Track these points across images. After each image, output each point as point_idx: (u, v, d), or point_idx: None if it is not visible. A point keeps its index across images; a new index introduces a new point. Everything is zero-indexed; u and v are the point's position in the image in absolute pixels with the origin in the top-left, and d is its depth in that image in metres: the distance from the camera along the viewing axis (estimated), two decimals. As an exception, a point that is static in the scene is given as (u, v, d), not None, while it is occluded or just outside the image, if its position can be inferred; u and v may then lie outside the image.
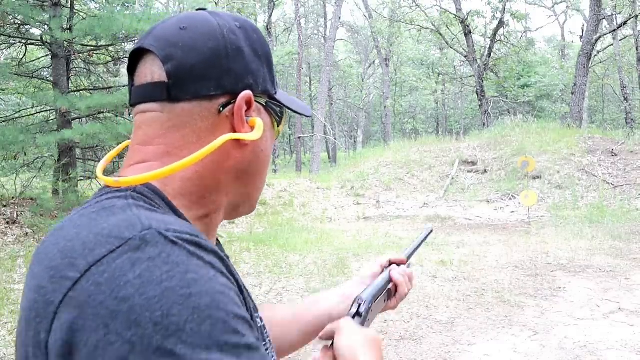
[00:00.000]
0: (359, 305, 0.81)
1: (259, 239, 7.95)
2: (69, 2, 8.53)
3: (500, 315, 4.44)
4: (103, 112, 8.85)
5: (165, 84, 0.60)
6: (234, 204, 0.67)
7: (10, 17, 8.30)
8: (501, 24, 21.55)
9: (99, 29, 7.77)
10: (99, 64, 10.45)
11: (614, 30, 18.98)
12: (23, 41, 9.18)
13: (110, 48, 9.70)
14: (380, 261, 0.95)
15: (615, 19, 20.73)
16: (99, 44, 9.12)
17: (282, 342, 0.86)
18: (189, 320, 0.45)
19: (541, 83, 26.68)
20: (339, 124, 33.94)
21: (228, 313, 0.48)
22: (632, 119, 20.81)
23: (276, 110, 0.69)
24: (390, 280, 0.90)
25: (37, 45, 9.22)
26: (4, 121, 8.97)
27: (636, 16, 16.98)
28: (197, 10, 0.67)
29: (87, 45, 9.12)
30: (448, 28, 22.33)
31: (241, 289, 0.58)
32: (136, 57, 0.63)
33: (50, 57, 8.95)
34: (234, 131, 0.62)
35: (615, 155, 11.92)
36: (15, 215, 7.63)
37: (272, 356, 0.66)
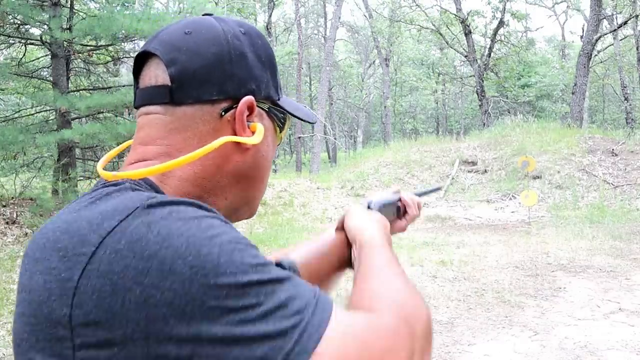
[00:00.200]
0: (370, 203, 0.87)
1: (259, 239, 7.95)
2: (69, 2, 8.53)
3: (501, 315, 4.43)
4: (103, 112, 8.85)
5: (169, 87, 0.61)
6: (233, 207, 0.67)
7: (10, 16, 8.29)
8: (501, 23, 21.54)
9: (99, 29, 7.77)
10: (99, 63, 10.45)
11: (615, 30, 18.97)
12: (23, 41, 9.17)
13: (110, 48, 9.70)
14: (392, 189, 1.01)
15: (616, 18, 20.72)
16: (99, 44, 9.11)
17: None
18: (220, 255, 0.47)
19: (541, 83, 26.68)
20: (339, 124, 33.93)
21: (249, 244, 0.52)
22: (632, 119, 20.79)
23: (279, 116, 0.70)
24: (400, 200, 0.98)
25: (37, 45, 9.22)
26: (4, 121, 8.96)
27: (636, 16, 16.97)
28: (203, 15, 0.68)
29: (87, 45, 9.11)
30: (448, 28, 22.32)
31: None
32: (141, 60, 0.64)
33: (49, 57, 8.94)
34: (235, 135, 0.63)
35: (616, 155, 11.90)
36: (14, 216, 7.62)
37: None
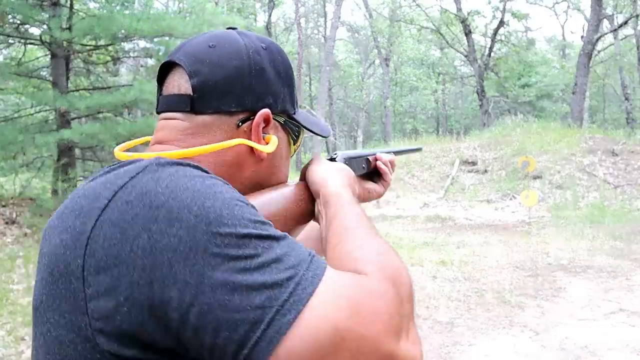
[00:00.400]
0: (334, 155, 0.84)
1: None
2: (68, 2, 8.51)
3: (501, 315, 4.42)
4: (102, 112, 8.84)
5: (190, 97, 0.65)
6: None
7: (10, 16, 8.29)
8: (501, 23, 21.53)
9: (98, 29, 7.77)
10: (99, 63, 10.44)
11: (615, 30, 18.96)
12: (22, 41, 9.16)
13: (110, 48, 9.69)
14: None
15: (616, 18, 20.71)
16: (99, 44, 9.11)
17: None
18: (222, 207, 0.51)
19: (542, 83, 26.68)
20: (339, 124, 33.94)
21: (249, 204, 0.55)
22: (632, 119, 20.79)
23: (293, 129, 0.74)
24: (373, 154, 0.92)
25: (37, 44, 9.21)
26: (3, 121, 8.95)
27: (637, 16, 16.96)
28: (227, 28, 0.71)
29: (87, 45, 9.11)
30: (448, 28, 22.31)
31: None
32: (166, 69, 0.68)
33: (49, 56, 8.93)
34: (251, 147, 0.67)
35: (616, 155, 11.89)
36: (14, 216, 7.62)
37: None
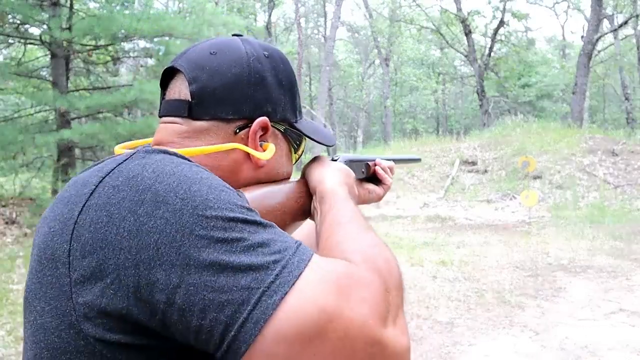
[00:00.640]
0: (336, 157, 0.85)
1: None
2: (68, 2, 8.52)
3: (501, 315, 4.42)
4: (102, 112, 8.84)
5: (189, 102, 0.66)
6: None
7: (10, 16, 8.29)
8: (502, 23, 21.53)
9: (98, 29, 7.77)
10: (98, 63, 10.44)
11: (615, 30, 18.96)
12: (22, 40, 9.16)
13: (110, 48, 9.69)
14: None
15: (616, 18, 20.71)
16: (98, 44, 9.11)
17: None
18: (209, 192, 0.52)
19: (542, 83, 26.67)
20: (339, 124, 33.93)
21: (236, 192, 0.56)
22: (633, 119, 20.79)
23: (294, 138, 0.74)
24: (373, 160, 0.93)
25: (36, 44, 9.21)
26: (3, 121, 8.95)
27: (637, 16, 16.96)
28: (233, 35, 0.72)
29: (87, 45, 9.10)
30: (448, 27, 22.31)
31: None
32: (170, 74, 0.69)
33: (49, 56, 8.93)
34: (248, 154, 0.67)
35: (616, 155, 11.89)
36: (14, 216, 7.62)
37: None
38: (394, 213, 10.83)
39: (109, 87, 9.48)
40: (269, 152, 0.68)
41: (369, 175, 0.93)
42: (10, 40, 9.40)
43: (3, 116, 9.86)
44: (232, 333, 0.47)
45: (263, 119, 0.67)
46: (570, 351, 3.63)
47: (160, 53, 9.36)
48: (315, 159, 0.79)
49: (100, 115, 9.12)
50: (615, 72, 24.53)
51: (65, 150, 8.31)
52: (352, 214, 0.65)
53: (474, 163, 13.25)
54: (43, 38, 8.35)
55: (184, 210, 0.49)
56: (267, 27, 23.29)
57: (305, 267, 0.50)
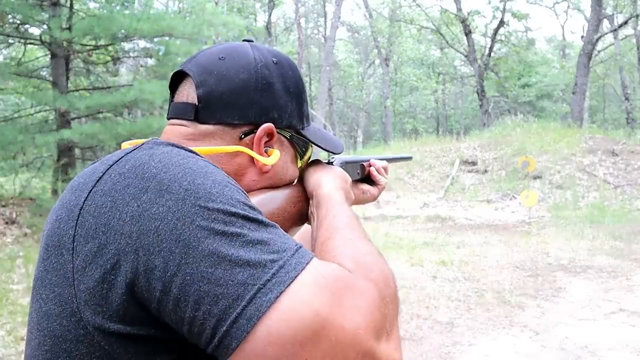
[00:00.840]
0: (332, 159, 0.85)
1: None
2: (68, 2, 8.51)
3: (501, 315, 4.42)
4: (102, 112, 8.84)
5: (195, 106, 0.66)
6: None
7: (10, 16, 8.28)
8: (502, 23, 21.53)
9: (98, 29, 7.77)
10: (98, 63, 10.44)
11: (615, 30, 18.96)
12: (22, 40, 9.16)
13: (110, 48, 9.68)
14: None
15: (616, 18, 20.71)
16: (98, 44, 9.10)
17: None
18: (213, 186, 0.52)
19: (542, 83, 26.67)
20: (339, 124, 33.92)
21: (242, 190, 0.56)
22: (633, 119, 20.79)
23: (300, 145, 0.74)
24: (367, 160, 0.94)
25: (36, 44, 9.21)
26: (3, 121, 8.95)
27: (637, 16, 16.96)
28: (243, 40, 0.73)
29: (87, 45, 9.10)
30: (448, 27, 22.31)
31: None
32: (179, 77, 0.70)
33: (49, 56, 8.93)
34: (252, 158, 0.67)
35: (616, 155, 11.89)
36: (14, 216, 7.62)
37: None
38: (394, 213, 10.82)
39: (109, 87, 9.47)
40: (273, 158, 0.68)
41: (364, 176, 0.93)
42: (10, 40, 9.40)
43: (3, 116, 9.86)
44: (224, 328, 0.47)
45: (268, 125, 0.67)
46: (570, 351, 3.63)
47: (160, 53, 9.36)
48: (312, 163, 0.79)
49: (100, 115, 9.12)
50: (615, 72, 24.53)
51: (65, 150, 8.31)
52: (349, 220, 0.65)
53: (474, 163, 13.25)
54: (43, 38, 8.35)
55: (186, 200, 0.50)
56: (267, 27, 23.29)
57: (302, 270, 0.49)
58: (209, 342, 0.48)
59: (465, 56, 21.84)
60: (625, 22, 17.77)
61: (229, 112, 0.66)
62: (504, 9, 21.36)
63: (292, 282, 0.48)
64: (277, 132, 0.69)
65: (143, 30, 7.79)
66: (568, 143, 12.60)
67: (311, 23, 34.49)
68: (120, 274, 0.49)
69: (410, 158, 1.21)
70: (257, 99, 0.67)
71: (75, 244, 0.51)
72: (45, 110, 9.05)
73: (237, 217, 0.51)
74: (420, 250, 6.85)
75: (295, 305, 0.47)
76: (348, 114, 35.88)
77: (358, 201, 0.90)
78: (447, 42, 22.36)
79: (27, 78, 9.20)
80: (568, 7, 29.19)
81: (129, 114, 11.14)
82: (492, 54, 22.11)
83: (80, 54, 9.37)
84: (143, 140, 0.77)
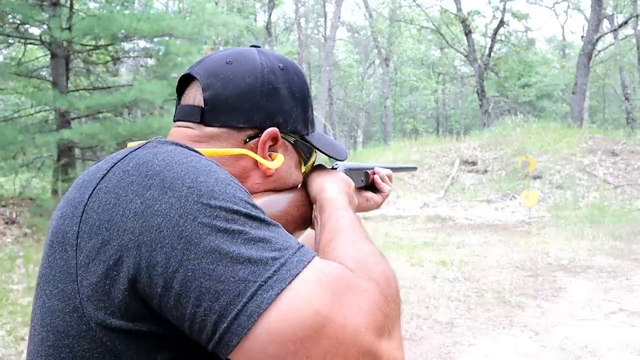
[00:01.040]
0: (335, 165, 0.85)
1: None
2: (68, 2, 8.51)
3: (501, 315, 4.42)
4: (102, 112, 8.84)
5: (201, 109, 0.67)
6: None
7: (10, 16, 8.28)
8: (502, 23, 21.53)
9: (98, 29, 7.76)
10: (98, 63, 10.43)
11: (615, 30, 18.96)
12: (22, 40, 9.16)
13: (110, 48, 9.68)
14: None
15: (616, 18, 20.71)
16: (98, 44, 9.10)
17: None
18: (215, 184, 0.53)
19: (542, 83, 26.67)
20: (339, 124, 33.92)
21: (244, 189, 0.56)
22: (633, 119, 20.79)
23: (304, 150, 0.75)
24: (372, 168, 0.95)
25: (36, 44, 9.20)
26: (3, 121, 8.94)
27: (637, 16, 16.96)
28: (250, 46, 0.74)
29: (87, 45, 9.10)
30: (448, 27, 22.31)
31: None
32: (186, 80, 0.71)
33: (49, 56, 8.93)
34: (256, 162, 0.68)
35: (616, 155, 11.89)
36: (14, 216, 7.62)
37: None
38: (394, 213, 10.82)
39: (109, 87, 9.47)
40: (276, 162, 0.69)
41: (368, 184, 0.94)
42: (10, 40, 9.39)
43: (3, 116, 9.85)
44: (225, 324, 0.47)
45: (273, 129, 0.68)
46: (570, 351, 3.63)
47: (160, 53, 9.36)
48: (315, 168, 0.80)
49: (100, 115, 9.12)
50: (615, 72, 24.52)
51: (65, 150, 8.30)
52: (351, 223, 0.65)
53: (474, 163, 13.25)
54: (43, 38, 8.35)
55: (189, 198, 0.50)
56: (267, 27, 23.29)
57: (304, 268, 0.50)
58: (209, 339, 0.48)
59: (465, 56, 21.84)
60: (625, 22, 17.77)
61: (235, 115, 0.67)
62: (504, 9, 21.37)
63: (293, 279, 0.48)
64: (282, 136, 0.70)
65: (143, 30, 7.79)
66: (568, 143, 12.60)
67: (311, 23, 34.49)
68: (123, 270, 0.49)
69: (415, 169, 1.22)
70: (263, 103, 0.68)
71: (79, 240, 0.52)
72: (45, 110, 9.05)
73: (239, 214, 0.51)
74: (420, 250, 6.85)
75: (296, 303, 0.47)
76: (348, 114, 35.88)
77: (361, 208, 0.90)
78: (447, 42, 22.35)
79: (27, 78, 9.20)
80: (568, 7, 29.20)
81: (129, 114, 11.13)
82: (492, 54, 22.10)
83: (80, 54, 9.37)
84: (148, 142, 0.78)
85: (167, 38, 8.91)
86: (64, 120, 8.19)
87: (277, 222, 0.55)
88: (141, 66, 10.98)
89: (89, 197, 0.54)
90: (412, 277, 5.47)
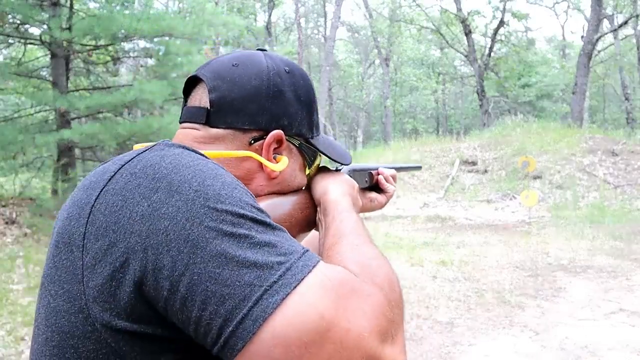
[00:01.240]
0: (339, 167, 0.86)
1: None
2: (68, 2, 8.51)
3: (501, 315, 4.42)
4: (102, 112, 8.83)
5: (207, 110, 0.68)
6: None
7: (10, 16, 8.28)
8: (502, 23, 21.53)
9: (98, 29, 7.76)
10: (98, 63, 10.43)
11: (615, 30, 18.96)
12: (22, 40, 9.15)
13: (110, 48, 9.68)
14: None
15: (616, 18, 20.71)
16: (98, 44, 9.10)
17: None
18: (222, 188, 0.53)
19: (542, 83, 26.67)
20: (339, 124, 33.91)
21: (250, 193, 0.56)
22: (633, 119, 20.79)
23: (309, 153, 0.75)
24: (376, 169, 0.95)
25: (36, 44, 9.20)
26: (3, 121, 8.94)
27: (637, 16, 16.96)
28: (257, 49, 0.75)
29: (87, 45, 9.10)
30: (448, 27, 22.31)
31: None
32: (193, 82, 0.72)
33: (49, 56, 8.93)
34: (261, 164, 0.69)
35: (616, 155, 11.89)
36: (14, 216, 7.62)
37: None
38: (394, 213, 10.82)
39: (109, 87, 9.46)
40: (281, 165, 0.69)
41: (372, 185, 0.93)
42: (10, 40, 9.39)
43: (3, 116, 9.85)
44: (231, 328, 0.47)
45: (278, 131, 0.69)
46: (570, 351, 3.63)
47: (160, 53, 9.36)
48: (319, 170, 0.80)
49: (100, 115, 9.11)
50: (615, 72, 24.52)
51: (65, 150, 8.30)
52: (355, 226, 0.65)
53: (474, 163, 13.25)
54: (43, 38, 8.34)
55: (195, 201, 0.51)
56: (267, 27, 23.29)
57: (309, 272, 0.50)
58: (214, 343, 0.48)
59: (465, 56, 21.84)
60: (625, 22, 17.77)
61: (240, 117, 0.67)
62: (504, 9, 21.37)
63: (298, 284, 0.49)
64: (287, 139, 0.70)
65: (143, 30, 7.79)
66: (568, 143, 12.60)
67: (311, 23, 34.49)
68: (129, 272, 0.49)
69: (419, 168, 1.21)
70: (268, 105, 0.68)
71: (85, 241, 0.52)
72: (45, 110, 9.04)
73: (245, 218, 0.51)
74: (420, 250, 6.85)
75: (301, 307, 0.47)
76: (348, 114, 35.87)
77: (365, 209, 0.91)
78: (447, 42, 22.36)
79: (27, 78, 9.19)
80: (568, 7, 29.20)
81: (129, 114, 11.13)
82: (492, 54, 22.11)
83: (80, 54, 9.37)
84: (153, 145, 0.78)
85: (167, 38, 8.91)
86: (64, 120, 8.18)
87: (282, 227, 0.55)
88: (141, 66, 10.98)
89: (95, 199, 0.54)
90: (412, 277, 5.47)
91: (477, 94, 20.91)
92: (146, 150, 0.58)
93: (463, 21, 20.24)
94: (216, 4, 16.44)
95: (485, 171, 12.75)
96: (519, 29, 27.33)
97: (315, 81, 31.65)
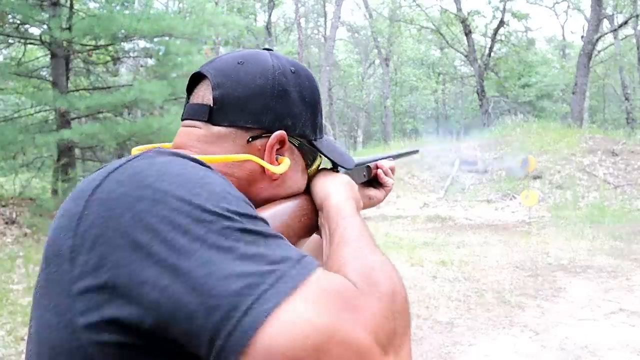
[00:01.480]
0: (336, 166, 0.84)
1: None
2: (68, 2, 8.51)
3: (501, 315, 4.42)
4: (102, 112, 8.84)
5: (210, 107, 0.67)
6: None
7: (10, 16, 8.28)
8: (502, 23, 21.53)
9: (98, 29, 7.77)
10: (98, 63, 10.44)
11: (615, 30, 18.96)
12: (22, 40, 9.15)
13: (110, 48, 9.68)
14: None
15: (616, 18, 20.71)
16: (98, 44, 9.10)
17: None
18: (209, 198, 0.51)
19: (542, 83, 26.65)
20: (339, 124, 33.91)
21: (242, 198, 0.55)
22: (633, 119, 20.79)
23: (308, 155, 0.75)
24: (372, 161, 0.92)
25: (36, 44, 9.20)
26: (3, 121, 8.94)
27: (637, 16, 16.96)
28: (263, 49, 0.74)
29: (87, 45, 9.10)
30: (448, 27, 22.31)
31: None
32: (196, 79, 0.71)
33: (49, 56, 8.93)
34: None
35: (616, 155, 11.89)
36: (14, 216, 7.62)
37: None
38: (394, 213, 10.83)
39: (109, 87, 9.46)
40: (283, 166, 0.68)
41: (370, 178, 0.92)
42: (10, 40, 9.39)
43: (3, 116, 9.85)
44: (220, 342, 0.45)
45: (281, 132, 0.68)
46: (570, 351, 3.63)
47: (160, 53, 9.36)
48: (319, 172, 0.79)
49: (100, 115, 9.12)
50: (615, 72, 24.52)
51: (65, 150, 8.30)
52: (359, 233, 0.63)
53: (474, 163, 13.25)
54: (43, 38, 8.35)
55: (180, 211, 0.49)
56: (267, 27, 23.29)
57: (303, 281, 0.47)
58: (207, 355, 0.46)
59: (465, 56, 21.84)
60: (625, 22, 17.77)
61: (243, 115, 0.66)
62: (504, 9, 21.37)
63: (290, 293, 0.46)
64: (289, 140, 0.69)
65: (143, 30, 7.79)
66: (568, 143, 12.61)
67: (311, 23, 34.47)
68: (116, 287, 0.48)
69: (417, 152, 1.19)
70: (272, 105, 0.68)
71: (72, 254, 0.51)
72: (45, 110, 9.04)
73: (231, 229, 0.49)
74: (420, 250, 6.85)
75: (294, 319, 0.45)
76: (348, 114, 35.86)
77: (364, 207, 0.89)
78: (447, 42, 22.36)
79: (27, 78, 9.19)
80: (568, 7, 29.20)
81: (129, 114, 11.13)
82: (492, 54, 22.11)
83: (80, 54, 9.37)
84: (154, 146, 0.75)
85: (167, 38, 8.91)
86: (64, 120, 8.19)
87: (277, 233, 0.53)
88: (141, 66, 10.99)
89: (82, 209, 0.52)
90: (412, 277, 5.47)
91: (477, 94, 20.92)
92: (136, 157, 0.56)
93: (463, 21, 20.24)
94: (216, 4, 16.44)
95: (485, 171, 12.76)
96: (519, 29, 27.34)
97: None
